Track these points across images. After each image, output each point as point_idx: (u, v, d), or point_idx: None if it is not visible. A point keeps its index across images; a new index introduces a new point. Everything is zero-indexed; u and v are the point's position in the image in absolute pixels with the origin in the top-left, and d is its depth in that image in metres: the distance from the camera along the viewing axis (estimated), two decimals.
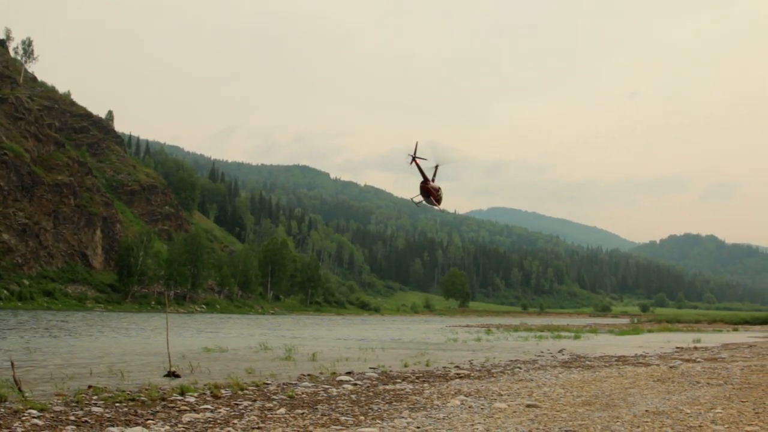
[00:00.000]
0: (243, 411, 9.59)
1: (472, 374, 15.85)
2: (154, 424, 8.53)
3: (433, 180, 22.90)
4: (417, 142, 21.74)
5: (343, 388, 12.63)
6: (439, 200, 22.97)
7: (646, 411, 9.68)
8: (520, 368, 17.76)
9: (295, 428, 8.20)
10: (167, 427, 8.26)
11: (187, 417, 9.03)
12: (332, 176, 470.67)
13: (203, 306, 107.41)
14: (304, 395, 11.45)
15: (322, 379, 14.36)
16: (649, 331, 58.78)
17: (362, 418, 9.12)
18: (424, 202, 22.43)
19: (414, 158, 21.82)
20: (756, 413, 9.48)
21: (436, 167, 22.75)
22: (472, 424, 8.53)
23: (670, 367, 18.18)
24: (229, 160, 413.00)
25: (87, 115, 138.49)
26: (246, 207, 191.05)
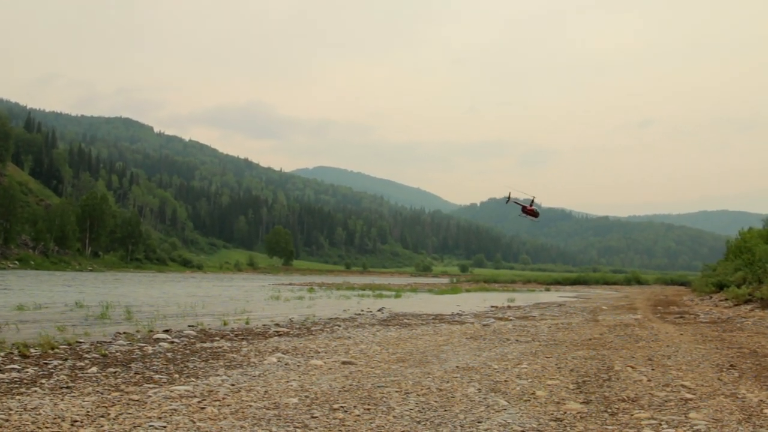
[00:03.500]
0: (52, 370, 9.28)
1: (291, 332, 15.93)
2: None
3: (531, 205, 39.84)
4: (510, 192, 38.79)
5: (160, 346, 12.43)
6: (536, 215, 40.47)
7: (457, 367, 10.02)
8: (339, 326, 17.97)
9: (106, 387, 8.01)
10: None
11: None
12: (156, 130, 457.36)
13: (16, 262, 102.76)
14: (118, 354, 11.20)
15: (139, 337, 14.06)
16: (467, 290, 60.58)
17: (177, 376, 9.01)
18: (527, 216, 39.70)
19: (509, 199, 38.92)
20: (558, 368, 9.98)
21: (533, 198, 39.78)
22: (287, 381, 8.59)
23: (484, 325, 18.83)
24: (47, 110, 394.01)
25: None
26: (64, 159, 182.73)
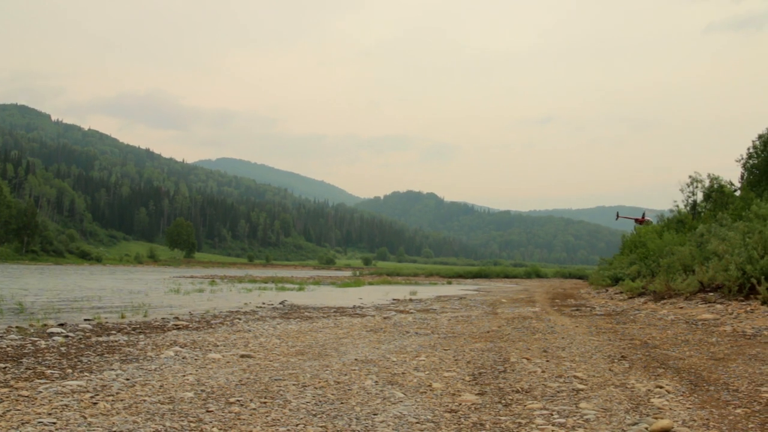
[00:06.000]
0: None
1: (191, 325, 15.76)
2: None
3: (642, 216, 49.80)
4: (618, 212, 51.82)
5: (53, 340, 12.14)
6: (649, 224, 47.99)
7: (356, 360, 10.05)
8: (240, 319, 17.85)
9: None
10: None
11: None
12: (54, 118, 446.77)
13: None
14: (8, 348, 10.88)
15: (32, 331, 13.71)
16: (370, 283, 60.77)
17: (70, 371, 8.82)
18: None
19: (618, 216, 51.41)
20: (455, 360, 10.10)
21: (644, 212, 48.90)
22: (184, 375, 8.50)
23: (384, 318, 18.94)
24: None
25: None
26: None
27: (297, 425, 6.04)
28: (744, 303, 17.95)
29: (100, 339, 12.61)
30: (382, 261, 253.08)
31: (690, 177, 43.99)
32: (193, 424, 6.00)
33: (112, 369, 8.96)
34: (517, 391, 7.68)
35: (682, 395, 7.37)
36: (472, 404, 6.96)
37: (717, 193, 41.47)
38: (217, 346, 11.71)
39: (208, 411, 6.50)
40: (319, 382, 8.13)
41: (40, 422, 5.91)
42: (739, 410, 6.56)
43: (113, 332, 13.93)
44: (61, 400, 6.81)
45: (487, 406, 6.91)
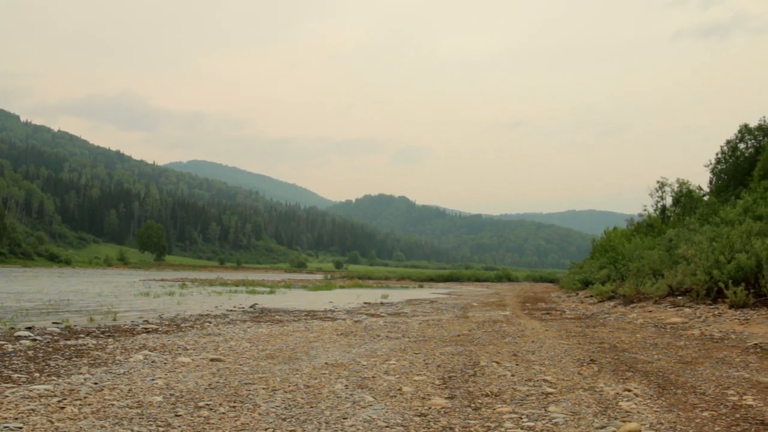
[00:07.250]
0: None
1: (161, 329, 15.66)
2: None
3: None
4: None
5: (21, 344, 12.01)
6: None
7: (326, 363, 10.03)
8: (210, 323, 17.76)
9: None
10: None
11: None
12: (22, 119, 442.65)
13: None
14: None
15: None
16: (341, 287, 60.58)
17: (37, 375, 8.74)
18: None
19: None
20: (426, 364, 10.11)
21: None
22: (153, 379, 8.45)
23: (355, 322, 18.92)
24: None
25: None
26: None
27: (266, 429, 6.02)
28: (712, 307, 18.13)
29: (69, 343, 12.50)
30: (354, 264, 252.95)
31: (658, 182, 44.37)
32: (161, 429, 5.97)
33: (81, 373, 8.89)
34: (487, 395, 7.70)
35: (650, 398, 7.43)
36: (442, 408, 6.97)
37: (686, 198, 41.85)
38: (187, 349, 11.65)
39: (176, 415, 6.46)
40: (289, 386, 8.11)
41: (6, 427, 5.85)
42: (706, 413, 6.62)
43: (82, 336, 13.82)
44: (28, 405, 6.74)
45: (457, 409, 6.91)
